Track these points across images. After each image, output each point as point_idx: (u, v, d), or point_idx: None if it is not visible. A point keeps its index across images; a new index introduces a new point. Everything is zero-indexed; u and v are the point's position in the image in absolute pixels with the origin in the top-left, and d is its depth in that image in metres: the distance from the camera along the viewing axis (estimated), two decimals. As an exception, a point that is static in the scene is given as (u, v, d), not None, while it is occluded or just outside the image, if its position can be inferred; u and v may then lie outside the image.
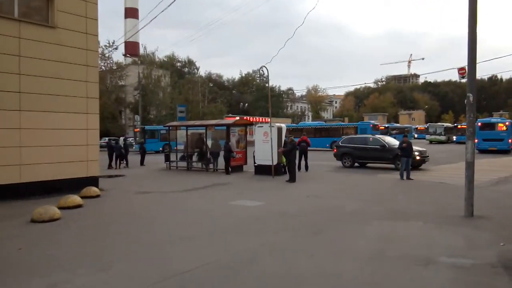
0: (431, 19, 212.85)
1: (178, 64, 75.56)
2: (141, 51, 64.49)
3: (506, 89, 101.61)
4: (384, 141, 17.94)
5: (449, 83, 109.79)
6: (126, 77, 50.86)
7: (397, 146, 16.69)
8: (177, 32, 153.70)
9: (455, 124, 52.02)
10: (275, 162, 15.44)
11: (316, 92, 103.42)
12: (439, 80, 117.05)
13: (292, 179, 13.89)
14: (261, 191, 11.97)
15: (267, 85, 23.03)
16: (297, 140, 18.37)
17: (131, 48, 75.38)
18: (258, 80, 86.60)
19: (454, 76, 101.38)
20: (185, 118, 24.05)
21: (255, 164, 16.48)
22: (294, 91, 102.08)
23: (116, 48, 48.41)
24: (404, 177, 13.91)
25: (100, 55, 47.57)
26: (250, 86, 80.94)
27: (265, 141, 15.96)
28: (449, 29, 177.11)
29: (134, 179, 15.98)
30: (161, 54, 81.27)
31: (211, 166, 18.37)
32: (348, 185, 12.98)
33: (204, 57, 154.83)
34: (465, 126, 7.34)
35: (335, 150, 20.00)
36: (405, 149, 14.15)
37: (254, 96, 75.48)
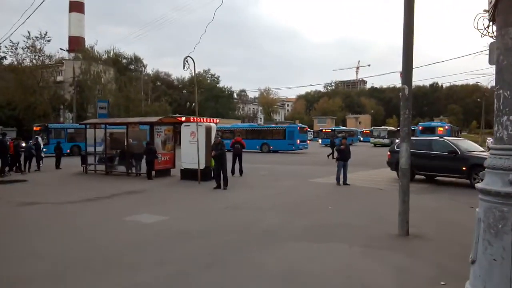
0: (377, 28, 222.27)
1: (124, 61, 71.11)
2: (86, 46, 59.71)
3: (446, 95, 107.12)
4: (455, 146, 12.68)
5: (394, 89, 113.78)
6: (63, 72, 46.43)
7: (471, 153, 12.49)
8: (128, 29, 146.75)
9: (398, 128, 53.21)
10: (202, 166, 13.66)
11: (268, 94, 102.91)
12: (384, 86, 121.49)
13: (219, 185, 12.22)
14: (175, 201, 10.15)
15: (196, 76, 21.14)
16: (230, 142, 16.77)
17: (75, 43, 70.11)
18: (208, 80, 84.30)
19: (398, 83, 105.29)
20: (106, 115, 21.57)
21: (182, 168, 14.62)
22: (247, 93, 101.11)
23: (48, 40, 44.01)
24: (341, 181, 12.73)
25: (30, 47, 43.09)
26: (199, 86, 78.40)
27: (192, 142, 14.13)
28: (394, 38, 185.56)
29: (34, 185, 13.49)
30: (103, 50, 76.58)
31: (134, 169, 16.26)
32: (277, 191, 11.47)
33: (156, 56, 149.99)
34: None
35: (389, 156, 14.54)
36: (343, 151, 12.98)
37: (203, 96, 73.20)
